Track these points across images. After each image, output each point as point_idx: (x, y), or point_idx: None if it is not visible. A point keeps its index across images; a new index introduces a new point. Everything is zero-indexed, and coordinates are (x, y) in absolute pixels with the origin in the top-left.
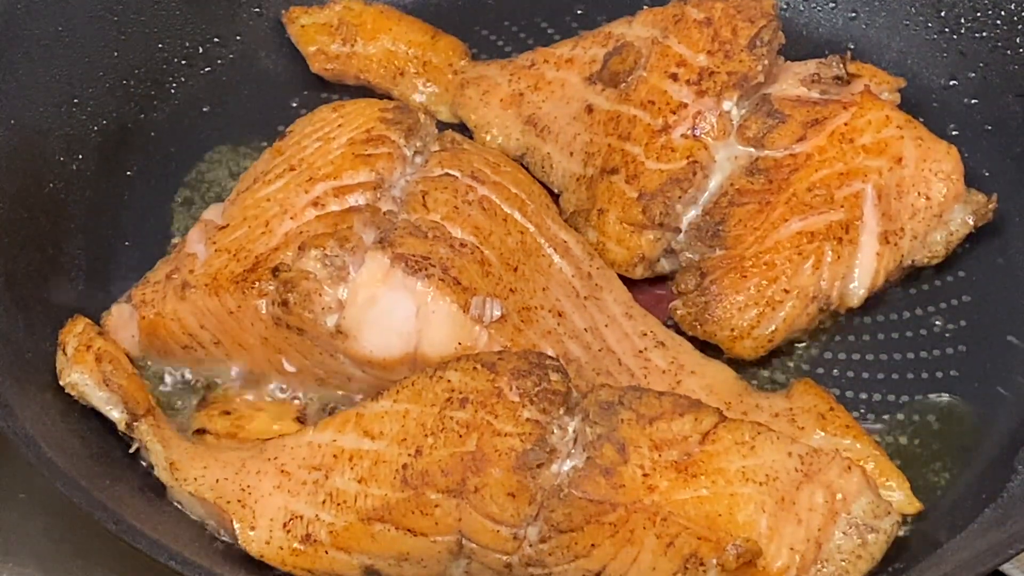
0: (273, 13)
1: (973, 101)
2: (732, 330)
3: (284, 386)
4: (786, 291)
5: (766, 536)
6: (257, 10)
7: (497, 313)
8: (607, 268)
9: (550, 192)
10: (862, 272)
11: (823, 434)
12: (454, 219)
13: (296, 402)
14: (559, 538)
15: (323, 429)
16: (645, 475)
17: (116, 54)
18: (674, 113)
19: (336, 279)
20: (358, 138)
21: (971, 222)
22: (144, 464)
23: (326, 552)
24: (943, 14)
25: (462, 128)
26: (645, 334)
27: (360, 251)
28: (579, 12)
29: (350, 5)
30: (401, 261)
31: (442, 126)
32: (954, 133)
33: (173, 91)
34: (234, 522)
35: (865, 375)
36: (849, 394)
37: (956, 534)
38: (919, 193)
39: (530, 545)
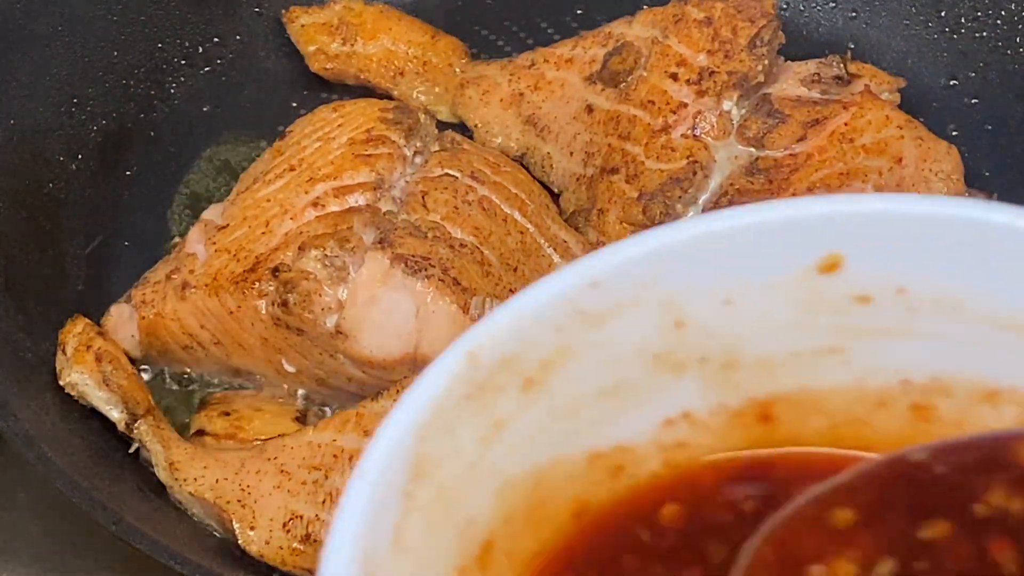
0: (273, 13)
1: (973, 101)
2: None
3: (284, 386)
4: None
5: None
6: (257, 10)
7: None
8: None
9: (550, 192)
10: None
11: None
12: (454, 219)
13: (296, 402)
14: None
15: (323, 429)
16: None
17: (116, 54)
18: (674, 113)
19: (336, 279)
20: (358, 138)
21: None
22: (144, 464)
23: None
24: (943, 14)
25: (462, 128)
26: None
27: (360, 251)
28: (579, 12)
29: (350, 5)
30: (401, 261)
31: (442, 126)
32: (954, 133)
33: (173, 91)
34: (234, 522)
35: None
36: None
37: None
38: (920, 193)
39: None
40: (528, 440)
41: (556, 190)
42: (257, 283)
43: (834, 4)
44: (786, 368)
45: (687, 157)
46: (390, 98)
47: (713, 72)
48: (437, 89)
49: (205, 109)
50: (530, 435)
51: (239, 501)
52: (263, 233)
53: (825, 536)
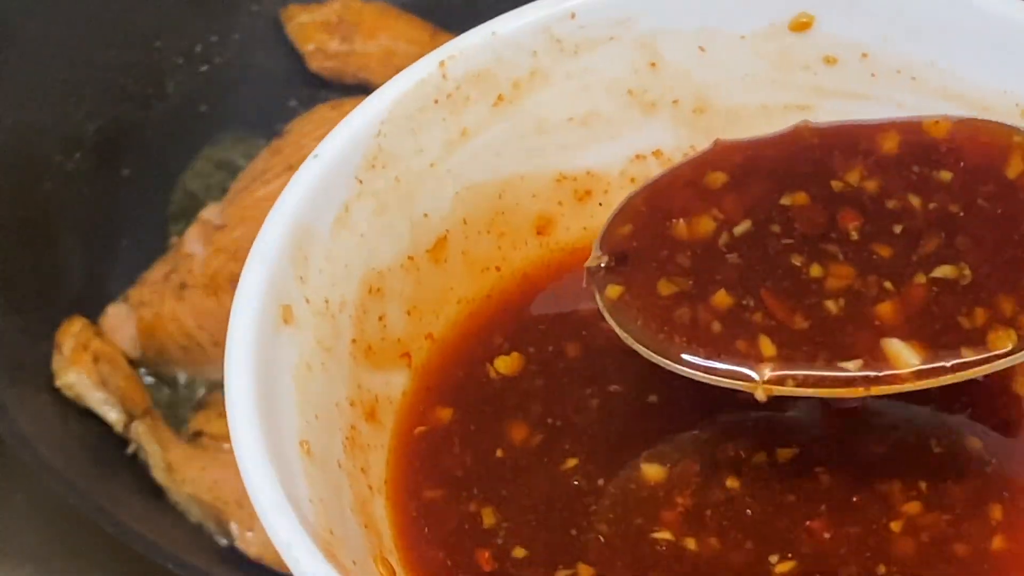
0: (271, 11)
1: None
2: None
3: None
4: None
5: None
6: (255, 8)
7: None
8: None
9: None
10: None
11: None
12: None
13: None
14: None
15: None
16: None
17: (113, 53)
18: None
19: None
20: None
21: None
22: (141, 465)
23: None
24: None
25: None
26: None
27: None
28: None
29: (349, 3)
30: None
31: None
32: None
33: (170, 90)
34: (231, 523)
35: None
36: None
37: None
38: None
39: None
40: (494, 152)
41: None
42: None
43: None
44: (756, 119)
45: None
46: None
47: None
48: None
49: (203, 108)
50: (497, 147)
51: (237, 502)
52: None
53: (695, 195)
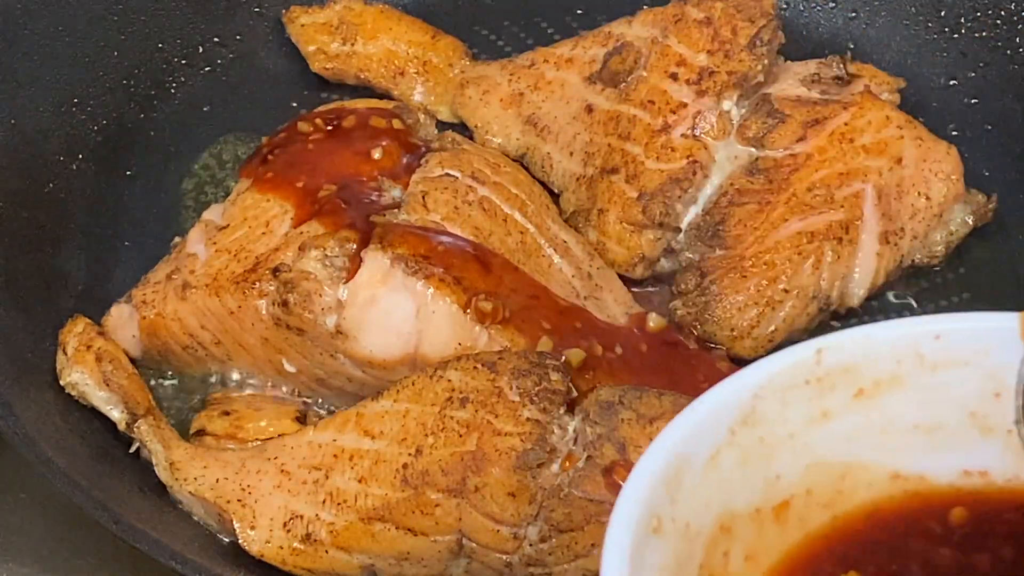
0: (273, 13)
1: (973, 101)
2: (732, 330)
3: (284, 386)
4: (786, 291)
5: None
6: (257, 10)
7: None
8: (607, 268)
9: (550, 192)
10: (862, 272)
11: None
12: (454, 219)
13: (296, 402)
14: (559, 537)
15: (323, 429)
16: None
17: (116, 54)
18: (674, 113)
19: (336, 279)
20: None
21: (971, 222)
22: (144, 464)
23: (326, 551)
24: (943, 14)
25: (462, 128)
26: None
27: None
28: (579, 12)
29: (350, 5)
30: (401, 261)
31: (442, 126)
32: (954, 133)
33: (173, 91)
34: (234, 522)
35: None
36: None
37: None
38: (919, 193)
39: (530, 544)
40: (846, 437)
41: (556, 190)
42: (257, 283)
43: (834, 4)
44: None
45: (687, 157)
46: (390, 98)
47: (713, 72)
48: (437, 89)
49: (205, 109)
50: (849, 434)
51: (239, 501)
52: (263, 233)
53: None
